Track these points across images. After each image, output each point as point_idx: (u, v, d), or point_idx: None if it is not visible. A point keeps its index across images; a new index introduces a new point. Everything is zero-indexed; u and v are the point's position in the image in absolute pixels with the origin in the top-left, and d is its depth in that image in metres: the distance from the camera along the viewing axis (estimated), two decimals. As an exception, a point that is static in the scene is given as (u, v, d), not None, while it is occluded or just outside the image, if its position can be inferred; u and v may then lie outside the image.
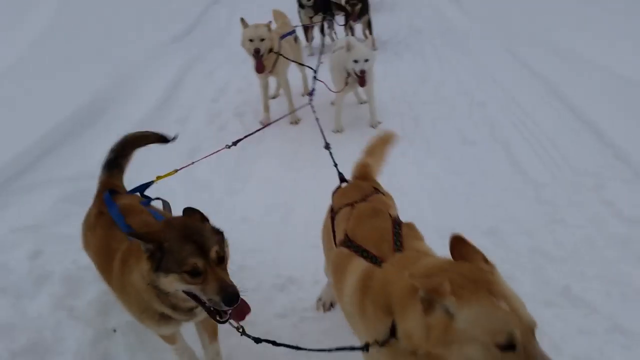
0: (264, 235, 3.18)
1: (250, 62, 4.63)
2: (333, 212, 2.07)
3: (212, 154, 2.91)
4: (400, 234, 1.70)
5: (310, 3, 6.47)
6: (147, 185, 2.32)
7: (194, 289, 1.64)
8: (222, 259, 1.69)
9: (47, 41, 6.54)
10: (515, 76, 5.43)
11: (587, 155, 3.76)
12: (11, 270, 2.67)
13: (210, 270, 1.62)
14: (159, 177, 2.40)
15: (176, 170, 2.53)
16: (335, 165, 2.47)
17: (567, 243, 2.89)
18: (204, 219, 1.77)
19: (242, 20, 4.59)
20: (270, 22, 4.56)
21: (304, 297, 2.66)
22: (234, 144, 2.89)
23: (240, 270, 2.75)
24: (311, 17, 6.58)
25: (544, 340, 1.43)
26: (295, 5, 6.66)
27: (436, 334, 1.23)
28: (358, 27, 7.14)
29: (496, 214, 3.22)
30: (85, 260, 2.39)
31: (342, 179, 2.34)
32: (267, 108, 4.83)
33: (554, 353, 1.34)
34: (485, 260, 1.36)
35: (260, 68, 4.47)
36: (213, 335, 2.19)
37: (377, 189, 2.14)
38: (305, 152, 4.18)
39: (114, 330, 2.40)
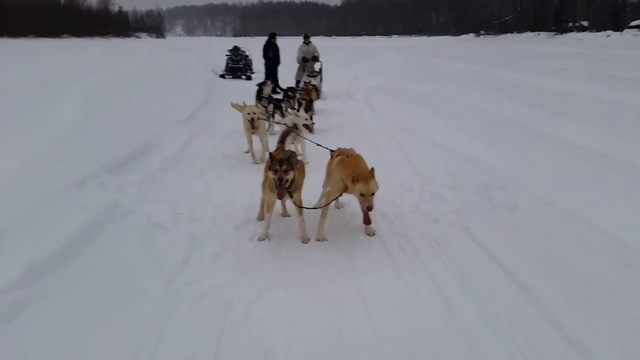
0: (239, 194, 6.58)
1: (232, 137, 8.48)
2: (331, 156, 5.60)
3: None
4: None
5: (265, 102, 10.68)
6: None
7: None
8: (280, 180, 4.62)
9: (89, 120, 10.23)
10: (387, 145, 9.30)
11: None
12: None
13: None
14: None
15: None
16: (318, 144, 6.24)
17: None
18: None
19: (244, 103, 8.41)
20: (257, 104, 8.38)
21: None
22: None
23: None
24: (265, 107, 10.63)
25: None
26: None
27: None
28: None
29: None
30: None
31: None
32: (251, 150, 8.43)
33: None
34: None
35: (252, 128, 8.25)
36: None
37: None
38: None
39: (181, 213, 5.67)
